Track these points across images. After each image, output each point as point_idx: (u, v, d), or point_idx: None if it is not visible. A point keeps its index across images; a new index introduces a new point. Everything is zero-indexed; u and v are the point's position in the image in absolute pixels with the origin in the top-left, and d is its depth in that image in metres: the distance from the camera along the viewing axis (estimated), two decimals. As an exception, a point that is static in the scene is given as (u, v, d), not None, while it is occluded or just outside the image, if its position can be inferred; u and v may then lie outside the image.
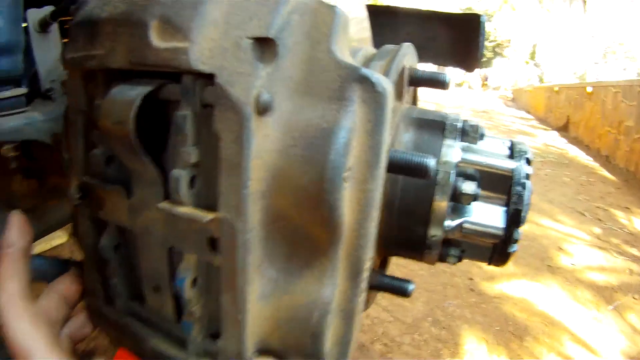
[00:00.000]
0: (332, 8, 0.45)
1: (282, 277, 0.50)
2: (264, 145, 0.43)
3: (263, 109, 0.42)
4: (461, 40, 1.33)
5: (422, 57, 1.40)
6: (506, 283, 3.56)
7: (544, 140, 10.12)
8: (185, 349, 0.55)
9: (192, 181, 0.46)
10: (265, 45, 0.43)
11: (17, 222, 0.62)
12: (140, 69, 0.46)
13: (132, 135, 0.44)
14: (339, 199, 0.44)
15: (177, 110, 0.45)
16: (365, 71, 0.44)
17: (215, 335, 0.54)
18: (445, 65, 1.42)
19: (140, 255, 0.56)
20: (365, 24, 0.93)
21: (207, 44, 0.42)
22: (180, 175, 0.45)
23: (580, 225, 4.99)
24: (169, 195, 0.48)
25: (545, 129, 11.95)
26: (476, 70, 1.43)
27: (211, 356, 0.54)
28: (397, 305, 2.93)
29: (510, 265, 3.79)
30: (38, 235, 1.08)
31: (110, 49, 0.48)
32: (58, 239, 3.06)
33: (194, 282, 0.50)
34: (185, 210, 0.46)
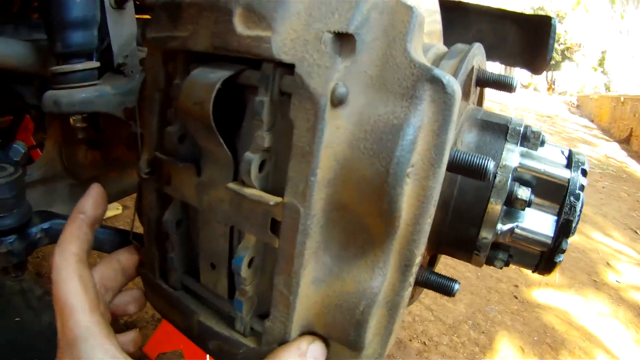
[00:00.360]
0: (410, 8, 0.47)
1: (336, 263, 0.52)
2: (335, 136, 0.45)
3: (338, 102, 0.44)
4: (531, 42, 1.32)
5: (492, 56, 1.40)
6: (550, 293, 3.52)
7: (604, 152, 9.82)
8: (232, 326, 0.59)
9: (262, 165, 0.49)
10: (344, 40, 0.45)
11: (94, 193, 0.66)
12: (221, 54, 0.49)
13: (209, 116, 0.47)
14: (400, 193, 0.45)
15: (255, 95, 0.47)
16: (438, 72, 0.45)
17: (262, 315, 0.57)
18: (513, 65, 1.42)
19: (201, 232, 0.59)
20: (437, 17, 0.93)
21: (290, 35, 0.45)
22: (252, 159, 0.48)
23: (631, 242, 4.85)
24: (237, 176, 0.50)
25: (607, 140, 11.59)
26: (544, 72, 1.42)
27: (256, 335, 0.57)
28: (439, 304, 2.93)
29: (556, 276, 3.74)
30: (111, 198, 1.13)
31: (193, 32, 0.51)
32: (114, 210, 3.17)
33: (251, 262, 0.53)
34: (253, 192, 0.48)
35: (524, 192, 0.63)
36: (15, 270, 0.71)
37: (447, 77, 0.45)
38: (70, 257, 0.60)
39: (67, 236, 0.62)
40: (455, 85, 0.46)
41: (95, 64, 0.86)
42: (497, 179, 0.65)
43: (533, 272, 0.73)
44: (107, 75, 0.93)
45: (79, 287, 0.58)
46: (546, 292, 3.52)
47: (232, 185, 0.49)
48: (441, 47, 0.71)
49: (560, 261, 0.69)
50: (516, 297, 3.33)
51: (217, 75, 0.47)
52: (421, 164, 0.47)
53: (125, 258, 0.69)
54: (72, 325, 0.55)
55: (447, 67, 0.63)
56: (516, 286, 3.48)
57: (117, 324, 1.77)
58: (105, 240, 0.77)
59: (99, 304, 0.59)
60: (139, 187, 0.65)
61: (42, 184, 1.03)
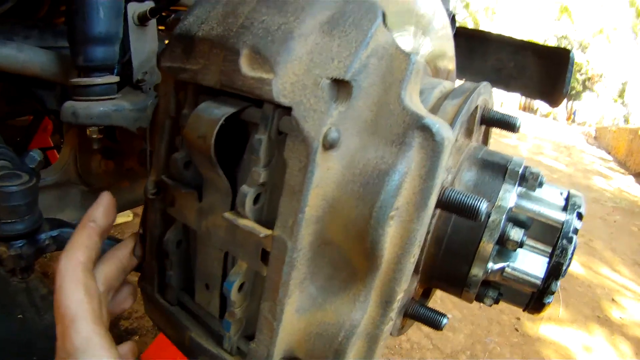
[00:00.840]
0: (408, 55, 0.50)
1: (321, 295, 0.56)
2: (325, 177, 0.48)
3: (330, 145, 0.47)
4: (549, 74, 1.33)
5: (510, 86, 1.43)
6: (552, 327, 3.50)
7: (619, 185, 9.74)
8: (221, 344, 0.62)
9: (256, 198, 0.52)
10: (341, 86, 0.48)
11: (105, 202, 0.68)
12: (227, 90, 0.52)
13: (211, 150, 0.50)
14: (382, 235, 0.48)
15: (255, 133, 0.51)
16: (428, 120, 0.48)
17: (249, 337, 0.60)
18: (531, 97, 1.44)
19: (198, 254, 0.63)
20: (448, 31, 0.96)
21: (290, 79, 0.48)
22: (248, 192, 0.51)
23: (638, 278, 4.81)
24: (234, 205, 0.53)
25: (622, 173, 11.50)
26: (564, 102, 1.43)
27: (242, 355, 0.60)
28: (439, 333, 2.93)
29: (559, 310, 3.72)
30: (122, 207, 1.16)
31: (204, 67, 0.54)
32: (125, 217, 3.22)
33: (241, 286, 0.57)
34: (246, 223, 0.52)
35: (516, 233, 0.66)
36: (21, 273, 0.75)
37: (437, 126, 0.48)
38: (77, 265, 0.61)
39: (75, 243, 0.63)
40: (445, 133, 0.49)
41: (114, 78, 0.89)
42: (491, 218, 0.67)
43: (523, 310, 0.75)
44: (126, 89, 0.96)
45: (83, 296, 0.59)
46: (548, 326, 3.50)
47: (228, 215, 0.52)
48: (447, 85, 0.74)
49: (549, 302, 0.71)
50: (517, 330, 3.32)
51: (221, 112, 0.51)
52: (406, 207, 0.49)
53: (124, 255, 0.70)
54: (72, 334, 0.56)
55: (450, 106, 0.66)
56: (518, 318, 3.47)
57: (117, 329, 1.81)
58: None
59: (101, 314, 0.60)
60: (144, 206, 0.68)
61: (55, 188, 1.07)
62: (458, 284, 0.71)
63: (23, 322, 1.61)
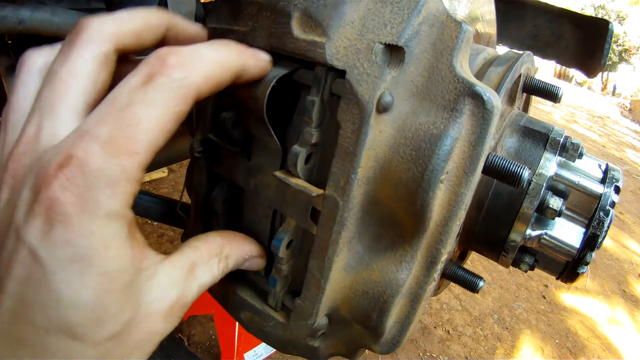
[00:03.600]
0: (459, 24, 0.51)
1: (367, 254, 0.58)
2: (377, 139, 0.50)
3: (383, 109, 0.49)
4: (587, 44, 1.32)
5: (547, 54, 1.43)
6: (578, 297, 3.53)
7: (652, 159, 9.56)
8: (265, 300, 0.65)
9: (308, 158, 0.55)
10: (394, 52, 0.50)
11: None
12: (278, 52, 0.53)
13: (263, 110, 0.52)
14: (432, 197, 0.51)
15: (308, 94, 0.53)
16: (479, 88, 0.50)
17: (294, 293, 0.63)
18: (568, 66, 1.42)
19: (246, 212, 0.65)
20: (492, 6, 0.95)
21: (343, 43, 0.50)
22: (300, 152, 0.53)
23: (666, 256, 4.78)
24: (284, 165, 0.55)
25: (657, 147, 11.28)
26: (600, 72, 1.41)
27: (286, 311, 0.63)
28: (468, 295, 2.97)
29: (587, 281, 3.72)
30: (159, 164, 1.18)
31: (252, 29, 0.56)
32: (160, 172, 3.27)
33: (289, 244, 0.60)
34: (298, 182, 0.54)
35: (555, 202, 0.67)
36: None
37: (487, 94, 0.50)
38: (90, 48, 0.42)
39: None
40: (495, 101, 0.50)
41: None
42: (532, 186, 0.69)
43: (557, 279, 0.77)
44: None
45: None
46: (574, 296, 3.53)
47: (279, 173, 0.55)
48: (491, 52, 0.75)
49: (583, 272, 0.73)
50: (544, 297, 3.34)
51: (273, 74, 0.53)
52: (455, 171, 0.51)
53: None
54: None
55: (495, 74, 0.67)
56: (546, 286, 3.50)
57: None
58: (152, 208, 0.83)
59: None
60: (190, 164, 0.70)
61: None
62: (496, 248, 0.74)
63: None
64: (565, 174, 0.72)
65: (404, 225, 0.55)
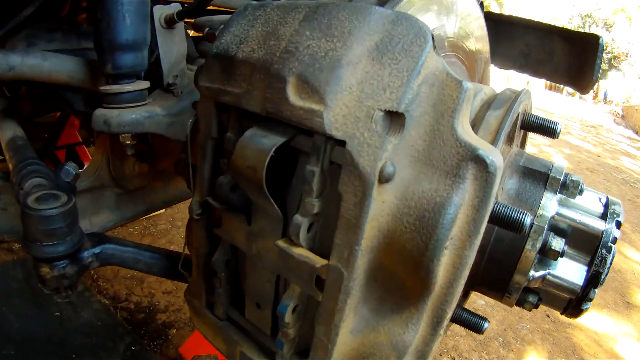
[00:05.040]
0: (459, 82, 0.49)
1: (373, 316, 0.57)
2: (380, 209, 0.49)
3: (385, 180, 0.47)
4: (578, 59, 1.32)
5: (539, 72, 1.42)
6: (583, 313, 3.47)
7: (648, 166, 9.55)
8: None
9: (310, 226, 0.52)
10: (395, 118, 0.48)
11: None
12: (274, 118, 0.52)
13: (262, 180, 0.50)
14: (437, 265, 0.49)
15: (307, 162, 0.51)
16: (482, 152, 0.48)
17: (300, 352, 0.61)
18: (560, 83, 1.42)
19: (248, 275, 0.64)
20: (482, 22, 0.95)
21: (341, 110, 0.48)
22: (302, 222, 0.52)
23: (669, 264, 4.75)
24: (285, 231, 0.54)
25: (651, 153, 11.28)
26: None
27: None
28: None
29: (590, 296, 3.69)
30: (143, 212, 1.18)
31: (246, 91, 0.54)
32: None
33: (295, 308, 0.58)
34: (301, 252, 0.52)
35: (558, 244, 0.66)
36: (66, 291, 0.76)
37: (490, 157, 0.48)
38: None
39: None
40: (498, 162, 0.49)
41: (145, 84, 0.89)
42: (533, 228, 0.67)
43: (561, 314, 0.76)
44: (157, 93, 0.96)
45: None
46: (579, 312, 3.48)
47: (281, 243, 0.53)
48: (488, 91, 0.74)
49: (587, 308, 0.72)
50: (548, 316, 3.31)
51: (270, 142, 0.51)
52: (460, 235, 0.50)
53: None
54: None
55: (493, 118, 0.66)
56: (549, 305, 3.45)
57: (155, 323, 1.85)
58: (154, 264, 0.82)
59: None
60: (188, 223, 0.69)
61: (89, 192, 1.09)
62: (499, 290, 0.73)
63: (60, 320, 1.65)
64: (566, 212, 0.71)
65: (408, 288, 0.54)
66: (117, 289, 2.04)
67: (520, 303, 0.75)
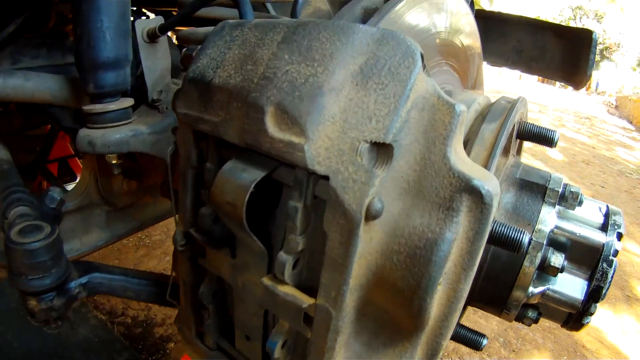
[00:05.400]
0: (452, 106, 0.46)
1: (365, 351, 0.54)
2: (369, 246, 0.46)
3: (373, 217, 0.44)
4: (571, 55, 1.30)
5: (532, 68, 1.39)
6: (582, 309, 3.45)
7: (643, 156, 9.50)
8: None
9: (295, 263, 0.50)
10: (382, 149, 0.44)
11: None
12: (253, 150, 0.49)
13: (242, 217, 0.47)
14: (430, 303, 0.46)
15: (289, 199, 0.48)
16: (477, 182, 0.45)
17: None
18: (554, 79, 1.40)
19: (236, 306, 0.61)
20: (471, 18, 0.93)
21: (324, 143, 0.44)
22: (286, 260, 0.49)
23: (668, 255, 4.71)
24: (270, 266, 0.51)
25: (646, 143, 11.22)
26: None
27: None
28: (472, 321, 2.91)
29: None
30: (135, 229, 1.15)
31: (224, 120, 0.51)
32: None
33: (284, 343, 0.55)
34: (287, 290, 0.50)
35: (557, 259, 0.64)
36: (55, 322, 0.74)
37: (485, 187, 0.45)
38: None
39: None
40: (494, 191, 0.45)
41: (129, 102, 0.86)
42: (532, 245, 0.65)
43: (561, 326, 0.75)
44: (142, 109, 0.93)
45: None
46: (579, 307, 3.46)
47: (266, 280, 0.51)
48: (482, 102, 0.71)
49: (587, 322, 0.70)
50: (548, 315, 3.30)
51: (251, 177, 0.48)
52: (454, 269, 0.47)
53: None
54: None
55: (488, 131, 0.63)
56: (550, 301, 3.44)
57: (152, 337, 1.83)
58: (142, 291, 0.79)
59: None
60: (174, 253, 0.66)
61: (78, 212, 1.06)
62: (498, 306, 0.71)
63: (58, 337, 1.64)
64: (566, 225, 0.68)
65: (401, 323, 0.51)
66: (114, 304, 2.02)
67: (520, 318, 0.73)
